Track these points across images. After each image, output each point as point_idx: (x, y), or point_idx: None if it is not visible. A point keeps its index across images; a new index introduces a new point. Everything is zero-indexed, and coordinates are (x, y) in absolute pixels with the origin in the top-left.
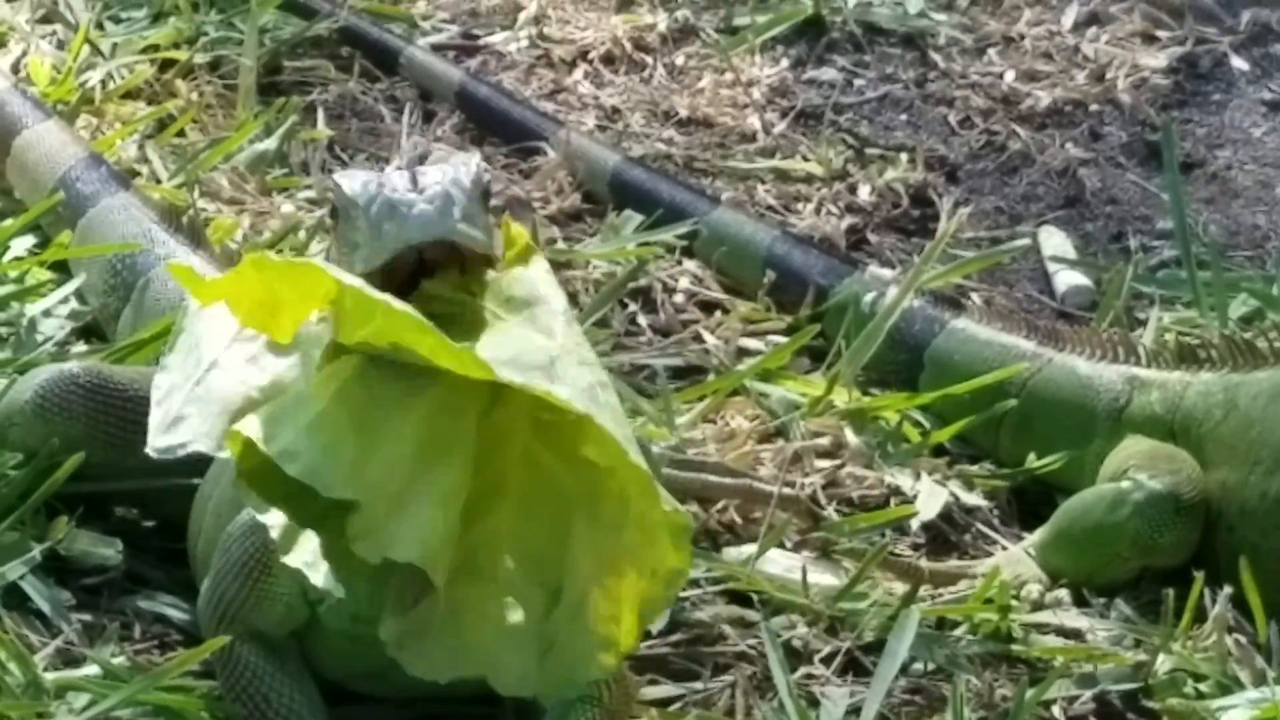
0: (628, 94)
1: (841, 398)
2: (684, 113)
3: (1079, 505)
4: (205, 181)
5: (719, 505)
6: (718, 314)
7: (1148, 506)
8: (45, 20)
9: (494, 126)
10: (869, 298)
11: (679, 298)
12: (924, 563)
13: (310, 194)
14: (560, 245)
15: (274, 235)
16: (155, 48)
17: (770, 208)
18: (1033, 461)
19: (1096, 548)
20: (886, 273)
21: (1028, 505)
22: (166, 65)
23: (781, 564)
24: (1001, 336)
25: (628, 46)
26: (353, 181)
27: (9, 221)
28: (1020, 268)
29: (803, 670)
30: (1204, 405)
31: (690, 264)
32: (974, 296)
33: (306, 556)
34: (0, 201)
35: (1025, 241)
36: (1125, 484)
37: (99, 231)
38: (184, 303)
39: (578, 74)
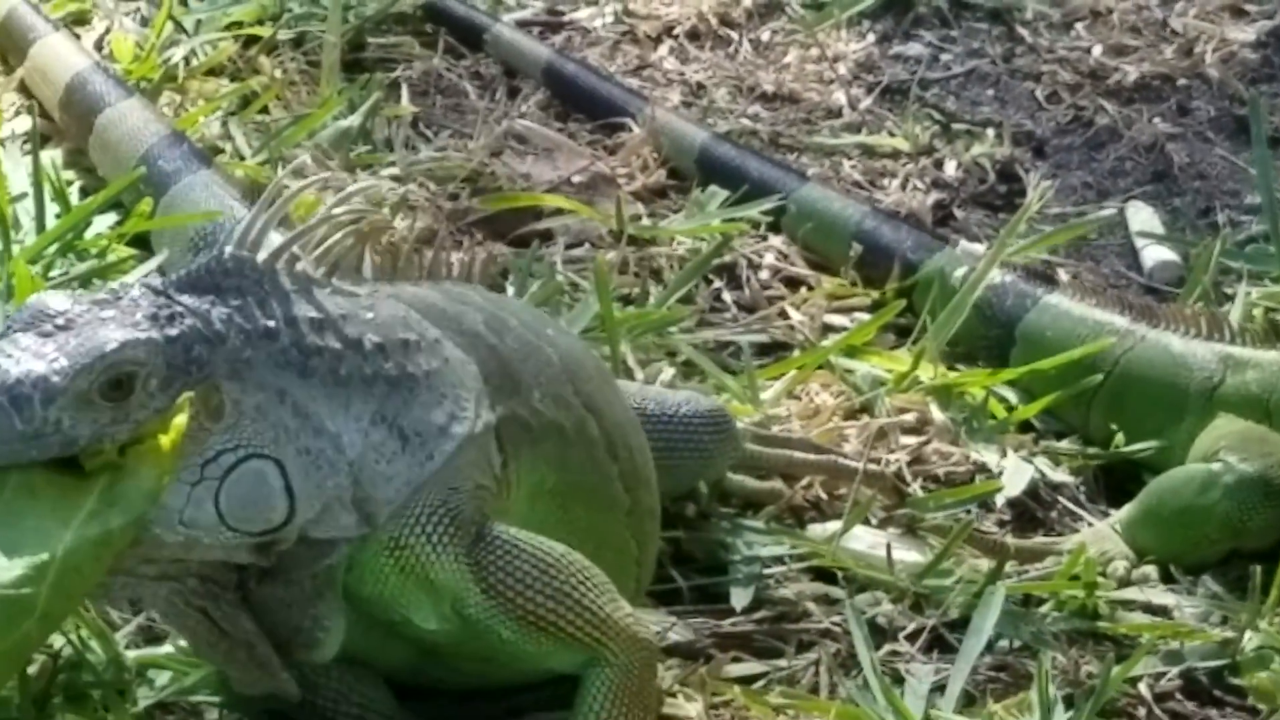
0: (713, 70)
1: (927, 373)
2: (769, 88)
3: (1168, 485)
4: (288, 159)
5: (803, 482)
6: (803, 290)
7: (1238, 490)
8: None
9: (580, 103)
10: (960, 272)
11: (764, 274)
12: (1009, 539)
13: (395, 170)
14: (645, 221)
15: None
16: (239, 24)
17: (856, 183)
18: (1122, 443)
19: (1184, 529)
20: (978, 248)
21: (1114, 482)
22: (250, 42)
23: (866, 541)
24: (1095, 312)
25: (713, 22)
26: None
27: (91, 199)
28: (1108, 243)
29: (887, 648)
30: None
31: (775, 240)
32: (1061, 272)
33: None
34: (84, 179)
35: (1110, 212)
36: (1216, 466)
37: (181, 209)
38: None
39: (663, 50)
